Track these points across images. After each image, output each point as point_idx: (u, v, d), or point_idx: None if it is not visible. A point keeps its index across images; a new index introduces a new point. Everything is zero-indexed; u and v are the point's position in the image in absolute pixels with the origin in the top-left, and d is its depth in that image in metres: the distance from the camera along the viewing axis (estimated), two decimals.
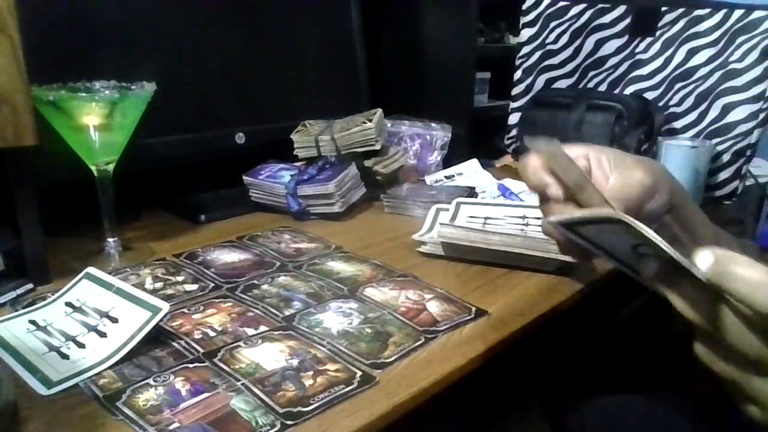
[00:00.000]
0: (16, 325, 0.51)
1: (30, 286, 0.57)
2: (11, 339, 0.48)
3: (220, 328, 0.51)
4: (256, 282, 0.61)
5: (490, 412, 0.68)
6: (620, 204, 0.45)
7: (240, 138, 0.89)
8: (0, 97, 0.50)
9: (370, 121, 0.87)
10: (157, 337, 0.49)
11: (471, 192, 0.85)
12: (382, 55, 1.22)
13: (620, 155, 0.49)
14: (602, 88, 1.04)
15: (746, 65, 0.89)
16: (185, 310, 0.54)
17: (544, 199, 0.46)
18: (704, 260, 0.33)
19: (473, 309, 0.56)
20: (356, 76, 1.07)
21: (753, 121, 0.91)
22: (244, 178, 0.85)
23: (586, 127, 0.93)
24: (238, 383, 0.43)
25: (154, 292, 0.57)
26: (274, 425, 0.39)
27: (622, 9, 0.99)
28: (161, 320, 0.48)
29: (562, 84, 1.07)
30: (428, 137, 1.07)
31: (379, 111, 0.91)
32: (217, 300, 0.57)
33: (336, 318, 0.53)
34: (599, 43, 1.02)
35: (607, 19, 1.00)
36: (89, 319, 0.51)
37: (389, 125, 1.04)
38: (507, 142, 1.13)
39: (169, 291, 0.58)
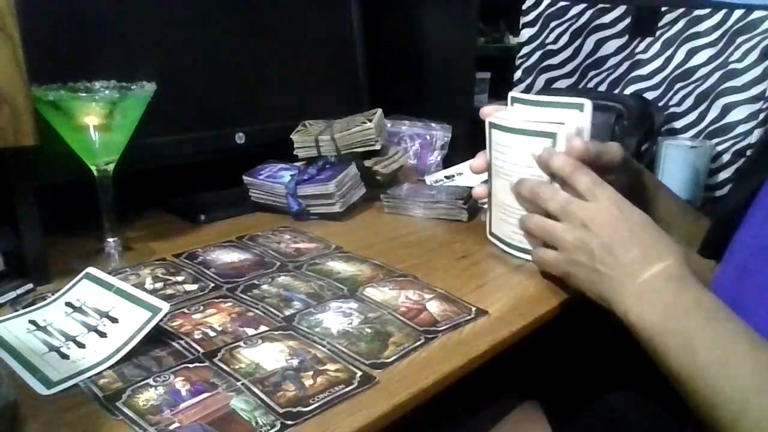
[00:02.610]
0: (16, 325, 0.51)
1: (30, 286, 0.57)
2: (11, 339, 0.49)
3: (220, 328, 0.51)
4: (256, 282, 0.61)
5: (490, 412, 0.68)
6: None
7: (240, 138, 0.89)
8: (0, 97, 0.50)
9: (370, 121, 0.87)
10: (157, 337, 0.49)
11: (471, 192, 0.85)
12: (382, 55, 1.22)
13: None
14: (602, 88, 1.04)
15: (746, 65, 0.89)
16: (185, 310, 0.54)
17: None
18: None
19: (473, 309, 0.56)
20: (356, 76, 1.07)
21: (753, 121, 0.90)
22: (244, 178, 0.85)
23: None
24: (238, 383, 0.43)
25: (154, 292, 0.57)
26: (274, 425, 0.39)
27: (622, 9, 0.99)
28: (161, 320, 0.48)
29: (562, 84, 1.07)
30: (428, 137, 1.07)
31: (379, 111, 0.91)
32: (217, 300, 0.57)
33: (336, 318, 0.53)
34: (599, 43, 1.02)
35: (607, 19, 1.00)
36: (89, 319, 0.51)
37: (389, 125, 1.04)
38: None
39: (169, 291, 0.58)
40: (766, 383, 0.41)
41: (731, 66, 0.91)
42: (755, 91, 0.89)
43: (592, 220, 0.53)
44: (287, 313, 0.54)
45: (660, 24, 0.96)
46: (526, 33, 1.08)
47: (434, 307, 0.56)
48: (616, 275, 0.51)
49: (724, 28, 0.91)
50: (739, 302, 0.45)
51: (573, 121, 0.60)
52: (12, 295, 0.56)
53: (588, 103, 0.60)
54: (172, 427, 0.39)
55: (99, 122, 0.60)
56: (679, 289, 0.48)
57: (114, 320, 0.50)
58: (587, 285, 0.54)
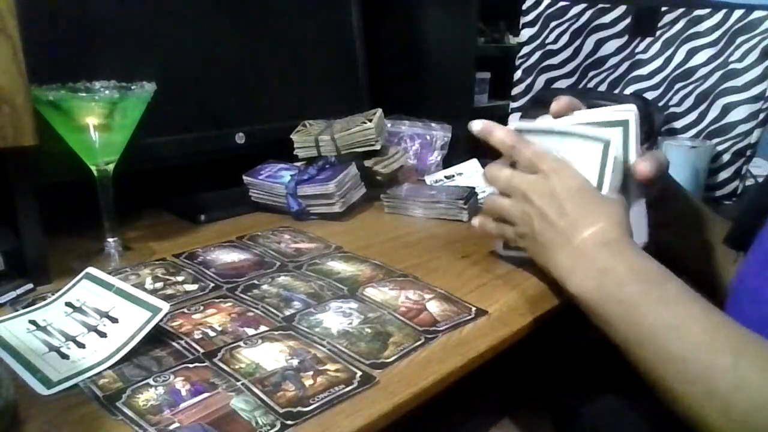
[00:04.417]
0: (16, 325, 0.51)
1: (30, 286, 0.58)
2: (11, 339, 0.49)
3: (220, 328, 0.51)
4: (256, 282, 0.61)
5: (491, 412, 0.68)
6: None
7: (240, 138, 0.89)
8: (0, 97, 0.50)
9: (370, 121, 0.87)
10: (157, 337, 0.49)
11: (471, 192, 0.85)
12: (382, 55, 1.22)
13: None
14: (602, 88, 1.04)
15: (746, 65, 0.89)
16: (185, 310, 0.54)
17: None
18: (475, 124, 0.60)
19: (473, 309, 0.56)
20: (356, 76, 1.07)
21: (753, 121, 0.91)
22: (244, 178, 0.85)
23: None
24: (238, 383, 0.43)
25: (154, 292, 0.57)
26: (274, 425, 0.39)
27: (622, 9, 0.99)
28: (161, 320, 0.48)
29: (562, 84, 1.07)
30: (428, 137, 1.07)
31: (379, 111, 0.91)
32: (217, 300, 0.57)
33: (336, 318, 0.53)
34: (599, 43, 1.02)
35: (607, 19, 1.00)
36: (89, 319, 0.51)
37: (389, 125, 1.04)
38: None
39: (169, 291, 0.58)
40: (719, 341, 0.40)
41: (731, 66, 0.91)
42: (755, 91, 0.89)
43: (533, 191, 0.54)
44: (287, 313, 0.54)
45: (660, 24, 0.96)
46: (526, 33, 1.08)
47: (434, 307, 0.56)
48: (552, 243, 0.51)
49: (724, 28, 0.91)
50: (763, 292, 0.45)
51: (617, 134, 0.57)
52: (12, 295, 0.56)
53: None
54: (172, 427, 0.39)
55: (99, 122, 0.60)
56: (613, 254, 0.48)
57: (114, 320, 0.50)
58: (535, 257, 0.55)
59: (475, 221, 0.65)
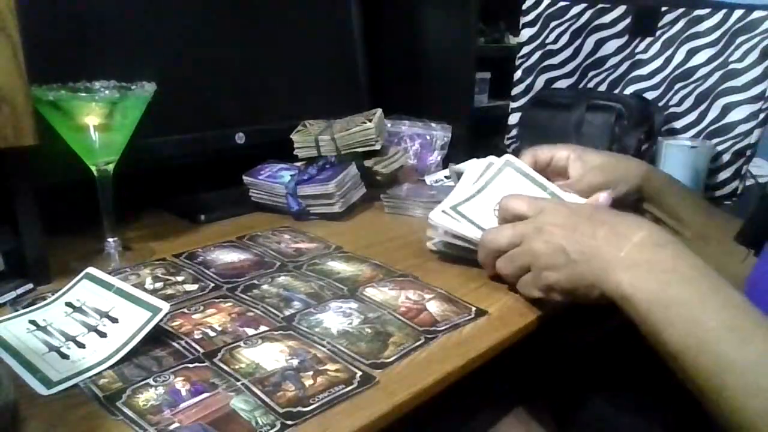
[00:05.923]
0: (16, 325, 0.51)
1: (30, 286, 0.57)
2: (11, 339, 0.49)
3: (220, 328, 0.51)
4: (256, 282, 0.61)
5: (491, 412, 0.68)
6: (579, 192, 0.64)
7: (240, 138, 0.89)
8: (0, 97, 0.50)
9: (370, 121, 0.87)
10: (157, 337, 0.49)
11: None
12: (382, 55, 1.22)
13: (586, 152, 0.68)
14: (602, 88, 1.04)
15: (746, 65, 0.89)
16: (185, 310, 0.54)
17: None
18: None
19: (473, 309, 0.56)
20: (356, 76, 1.07)
21: (753, 121, 0.91)
22: (244, 178, 0.85)
23: (586, 127, 0.93)
24: (238, 383, 0.43)
25: (154, 292, 0.57)
26: (274, 425, 0.39)
27: (622, 9, 0.99)
28: (161, 320, 0.48)
29: (562, 84, 1.07)
30: (428, 137, 1.07)
31: (379, 111, 0.91)
32: (217, 300, 0.57)
33: (336, 318, 0.53)
34: (599, 43, 1.02)
35: (607, 19, 1.00)
36: (89, 319, 0.51)
37: (389, 125, 1.04)
38: (507, 142, 1.13)
39: (169, 291, 0.58)
40: None
41: (731, 66, 0.91)
42: (755, 91, 0.89)
43: (548, 223, 0.52)
44: (287, 313, 0.54)
45: (660, 24, 0.96)
46: (526, 33, 1.08)
47: (434, 307, 0.56)
48: (595, 255, 0.48)
49: (724, 28, 0.91)
50: None
51: None
52: (12, 295, 0.56)
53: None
54: (172, 427, 0.39)
55: (99, 122, 0.60)
56: (675, 255, 0.46)
57: (114, 320, 0.50)
58: (574, 283, 0.50)
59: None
